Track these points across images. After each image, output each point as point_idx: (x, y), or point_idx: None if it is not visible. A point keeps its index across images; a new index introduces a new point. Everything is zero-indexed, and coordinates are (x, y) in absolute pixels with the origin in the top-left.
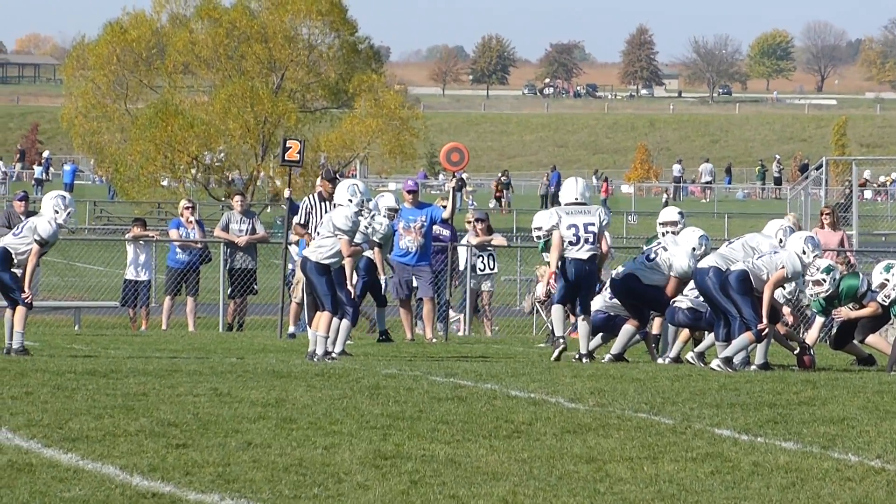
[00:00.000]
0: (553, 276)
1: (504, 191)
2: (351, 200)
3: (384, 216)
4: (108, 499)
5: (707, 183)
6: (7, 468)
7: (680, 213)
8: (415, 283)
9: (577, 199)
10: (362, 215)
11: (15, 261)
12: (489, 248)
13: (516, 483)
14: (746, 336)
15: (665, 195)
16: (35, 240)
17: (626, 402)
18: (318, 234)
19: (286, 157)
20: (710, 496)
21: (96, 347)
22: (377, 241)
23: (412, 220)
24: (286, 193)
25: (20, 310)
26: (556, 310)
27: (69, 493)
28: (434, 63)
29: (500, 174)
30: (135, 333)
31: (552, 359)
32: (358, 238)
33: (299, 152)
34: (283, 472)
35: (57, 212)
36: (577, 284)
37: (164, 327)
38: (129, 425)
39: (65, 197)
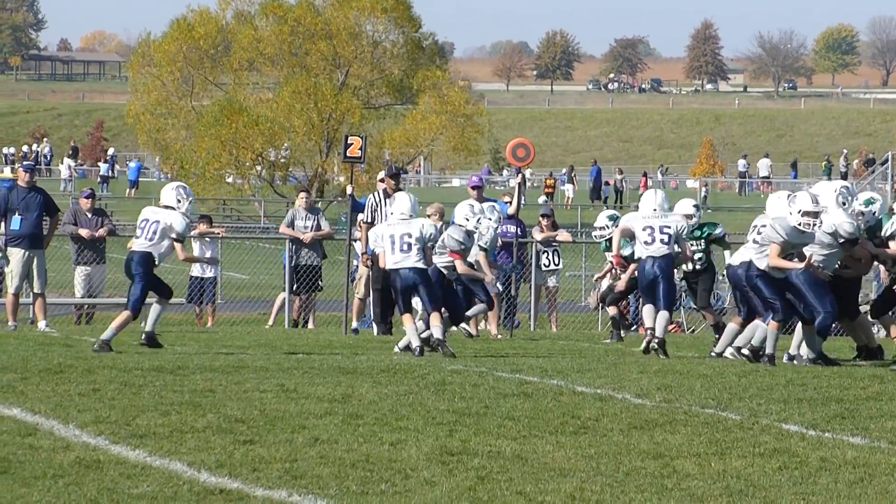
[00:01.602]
0: (616, 268)
1: (554, 188)
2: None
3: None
4: (176, 495)
5: (764, 178)
6: (75, 465)
7: (695, 205)
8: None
9: (654, 210)
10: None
11: (157, 263)
12: (554, 244)
13: (583, 479)
14: (764, 326)
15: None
16: (174, 238)
17: (692, 398)
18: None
19: (348, 154)
20: (777, 492)
21: (163, 344)
22: (483, 245)
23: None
24: (348, 190)
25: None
26: (647, 308)
27: (137, 490)
28: (498, 59)
29: (549, 172)
30: (201, 330)
31: (641, 349)
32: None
33: (361, 149)
34: (350, 467)
35: (179, 201)
36: (653, 280)
37: (285, 325)
38: (196, 422)
39: (184, 187)
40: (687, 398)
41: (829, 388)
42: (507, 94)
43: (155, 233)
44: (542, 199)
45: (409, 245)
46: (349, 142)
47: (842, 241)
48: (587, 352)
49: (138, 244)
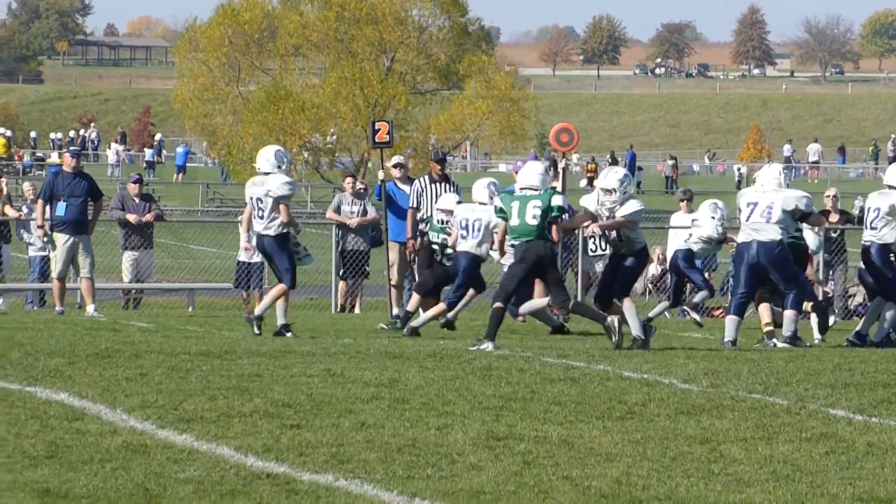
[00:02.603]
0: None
1: (595, 173)
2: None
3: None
4: (223, 479)
5: (814, 163)
6: (122, 449)
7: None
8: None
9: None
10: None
11: (289, 235)
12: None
13: (630, 464)
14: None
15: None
16: (281, 200)
17: (739, 383)
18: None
19: (376, 140)
20: (824, 476)
21: (210, 329)
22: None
23: None
24: (380, 176)
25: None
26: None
27: (184, 474)
28: (544, 44)
29: (592, 157)
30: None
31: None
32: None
33: (389, 133)
34: (397, 452)
35: (280, 167)
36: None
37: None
38: (243, 406)
39: (279, 150)
40: (734, 383)
41: (877, 374)
42: (553, 79)
43: (264, 211)
44: (583, 182)
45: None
46: (376, 127)
47: None
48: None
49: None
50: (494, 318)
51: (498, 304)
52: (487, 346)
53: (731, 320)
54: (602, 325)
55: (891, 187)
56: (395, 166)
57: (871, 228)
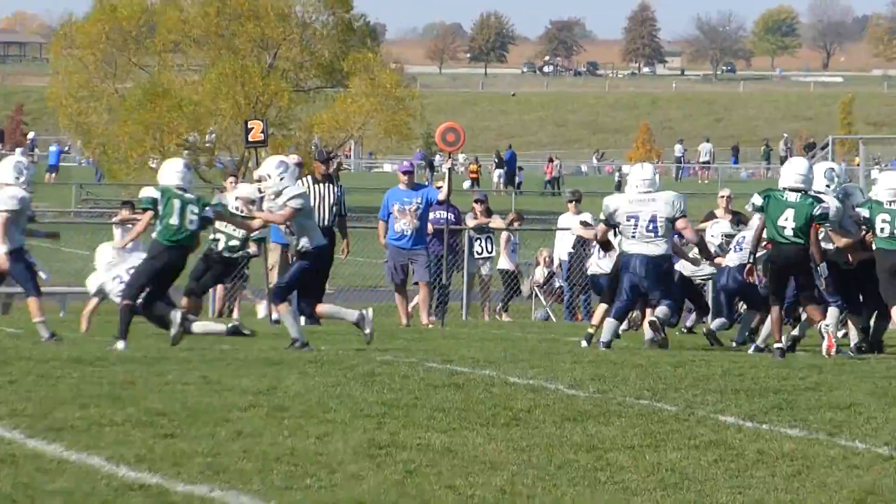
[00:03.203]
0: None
1: (479, 173)
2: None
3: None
4: (94, 491)
5: (705, 163)
6: None
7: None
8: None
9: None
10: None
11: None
12: (487, 231)
13: (514, 472)
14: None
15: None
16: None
17: (627, 389)
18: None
19: (250, 139)
20: (713, 484)
21: (83, 334)
22: None
23: (407, 203)
24: (255, 176)
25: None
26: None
27: (54, 485)
28: (431, 41)
29: (475, 157)
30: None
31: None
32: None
33: (263, 132)
34: (275, 462)
35: (18, 178)
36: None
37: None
38: (115, 415)
39: (18, 162)
40: (621, 389)
41: (767, 379)
42: (440, 77)
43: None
44: (466, 184)
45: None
46: (249, 126)
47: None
48: (520, 341)
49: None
50: (124, 316)
51: (126, 302)
52: (119, 345)
53: (610, 323)
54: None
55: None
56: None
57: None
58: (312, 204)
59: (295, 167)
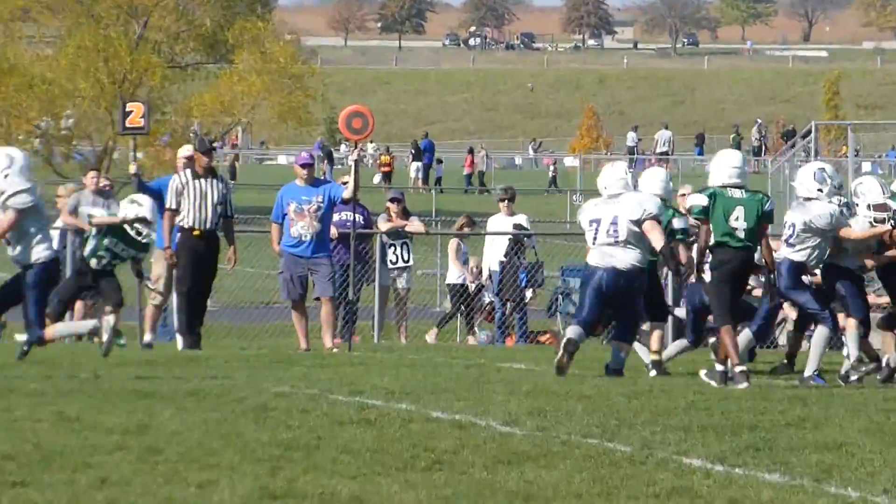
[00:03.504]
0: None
1: (391, 166)
2: None
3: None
4: None
5: (663, 154)
6: None
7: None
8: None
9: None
10: None
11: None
12: (404, 237)
13: None
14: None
15: None
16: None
17: (572, 425)
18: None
19: (127, 125)
20: None
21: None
22: None
23: (306, 202)
24: (131, 169)
25: None
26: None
27: None
28: (333, 8)
29: (385, 147)
30: None
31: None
32: None
33: (143, 116)
34: None
35: None
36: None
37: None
38: None
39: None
40: (565, 425)
41: (741, 413)
42: (345, 51)
43: None
44: (377, 178)
45: None
46: (128, 109)
47: None
48: (443, 368)
49: None
50: None
51: None
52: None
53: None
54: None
55: (807, 199)
56: (188, 157)
57: (788, 245)
58: (192, 203)
59: (25, 161)
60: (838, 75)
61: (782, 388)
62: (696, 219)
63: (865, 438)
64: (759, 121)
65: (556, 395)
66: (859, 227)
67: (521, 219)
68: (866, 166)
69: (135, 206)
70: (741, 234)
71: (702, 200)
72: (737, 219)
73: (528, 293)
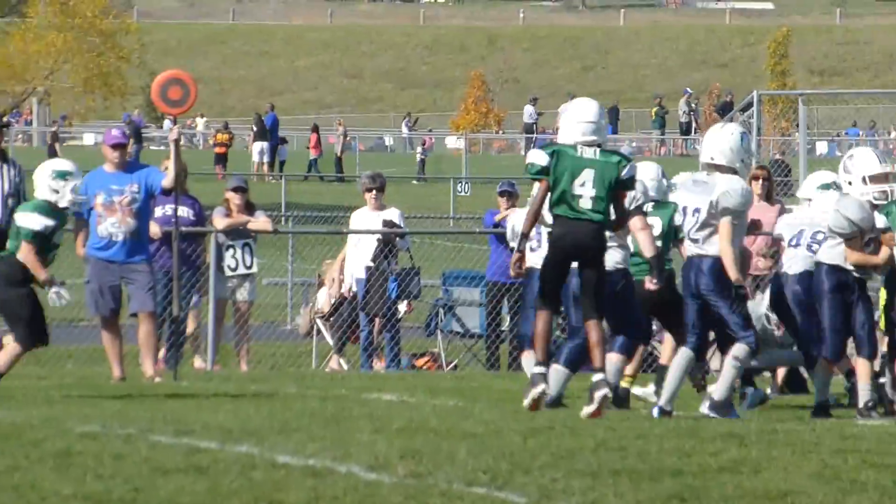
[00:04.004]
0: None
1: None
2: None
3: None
4: None
5: None
6: None
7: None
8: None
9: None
10: None
11: None
12: (246, 236)
13: None
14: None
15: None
16: None
17: (454, 471)
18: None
19: None
20: None
21: None
22: None
23: (117, 192)
24: None
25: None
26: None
27: None
28: None
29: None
30: None
31: None
32: None
33: None
34: None
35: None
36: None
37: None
38: None
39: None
40: (446, 470)
41: (662, 455)
42: (170, 3)
43: None
44: (210, 162)
45: None
46: None
47: None
48: (294, 401)
49: None
50: None
51: None
52: None
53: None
54: None
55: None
56: None
57: (692, 240)
58: None
59: None
60: (787, 33)
61: (714, 423)
62: (533, 179)
63: (817, 486)
64: (689, 91)
65: (435, 432)
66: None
67: (393, 214)
68: (821, 147)
69: None
70: (586, 204)
71: (540, 158)
72: (583, 184)
73: (402, 306)
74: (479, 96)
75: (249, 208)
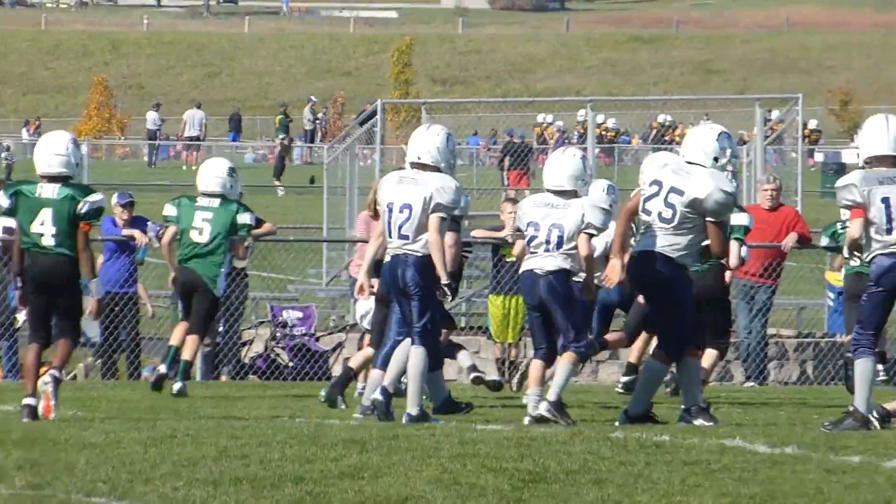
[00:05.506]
0: None
1: None
2: None
3: None
4: None
5: (193, 138)
6: None
7: None
8: None
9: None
10: None
11: None
12: None
13: None
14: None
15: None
16: None
17: (72, 482)
18: None
19: None
20: None
21: None
22: None
23: None
24: None
25: None
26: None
27: None
28: None
29: None
30: None
31: None
32: None
33: None
34: None
35: None
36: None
37: None
38: None
39: None
40: (64, 481)
41: (285, 462)
42: None
43: None
44: None
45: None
46: None
47: None
48: None
49: None
50: None
51: None
52: None
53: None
54: None
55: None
56: None
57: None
58: None
59: None
60: (410, 42)
61: (336, 429)
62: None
63: (436, 491)
64: (313, 98)
65: (54, 443)
66: None
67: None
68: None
69: None
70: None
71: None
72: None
73: (20, 315)
74: (102, 102)
75: None
